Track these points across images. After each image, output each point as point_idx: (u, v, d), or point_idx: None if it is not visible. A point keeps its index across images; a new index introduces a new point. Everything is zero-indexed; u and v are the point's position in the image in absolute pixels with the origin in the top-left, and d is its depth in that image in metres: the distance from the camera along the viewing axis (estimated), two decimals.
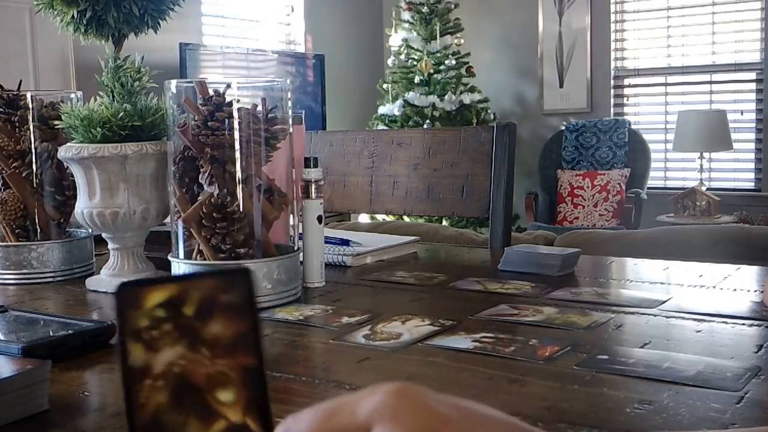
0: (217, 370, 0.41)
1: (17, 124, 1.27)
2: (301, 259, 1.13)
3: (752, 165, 5.33)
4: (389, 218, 3.49)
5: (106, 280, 1.15)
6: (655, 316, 0.96)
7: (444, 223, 4.49)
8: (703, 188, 4.99)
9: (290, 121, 1.11)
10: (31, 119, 1.27)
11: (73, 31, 1.15)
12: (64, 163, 1.18)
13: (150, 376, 0.41)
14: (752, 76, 5.27)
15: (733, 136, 5.06)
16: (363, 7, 6.11)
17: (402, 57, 5.43)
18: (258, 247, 1.04)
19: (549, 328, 0.91)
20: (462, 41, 5.46)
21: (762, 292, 1.04)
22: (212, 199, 1.03)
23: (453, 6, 5.47)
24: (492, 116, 5.48)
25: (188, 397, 0.41)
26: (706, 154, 5.16)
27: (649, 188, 5.28)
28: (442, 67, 5.35)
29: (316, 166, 1.17)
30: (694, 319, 0.93)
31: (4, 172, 1.27)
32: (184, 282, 0.43)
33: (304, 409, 0.39)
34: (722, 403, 0.65)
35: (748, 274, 1.22)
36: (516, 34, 5.89)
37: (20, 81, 1.32)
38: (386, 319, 0.95)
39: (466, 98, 5.31)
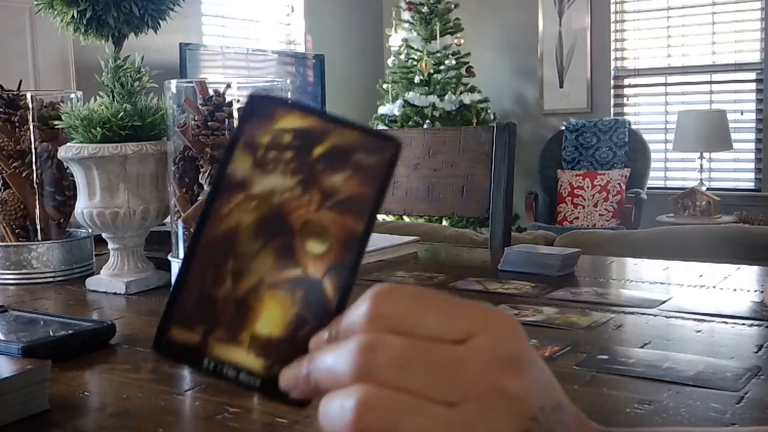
0: (319, 219, 0.38)
1: (17, 124, 1.27)
2: None
3: (752, 165, 5.33)
4: (389, 218, 3.49)
5: (106, 280, 1.15)
6: (655, 316, 0.96)
7: (444, 223, 4.49)
8: (703, 188, 4.99)
9: None
10: (31, 119, 1.27)
11: (73, 31, 1.15)
12: (64, 163, 1.18)
13: (244, 192, 0.38)
14: (752, 76, 5.27)
15: (733, 136, 5.06)
16: (363, 7, 6.11)
17: (402, 57, 5.43)
18: None
19: (549, 328, 0.91)
20: (462, 41, 5.46)
21: (762, 292, 1.04)
22: None
23: (453, 6, 5.47)
24: (492, 116, 5.48)
25: (276, 230, 0.38)
26: (706, 154, 5.16)
27: (649, 188, 5.28)
28: (442, 67, 5.35)
29: None
30: (694, 319, 0.93)
31: (4, 172, 1.27)
32: (329, 122, 0.39)
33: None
34: (722, 403, 0.65)
35: (748, 274, 1.21)
36: (516, 34, 5.89)
37: (20, 81, 1.32)
38: None
39: (466, 98, 5.31)
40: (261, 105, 0.39)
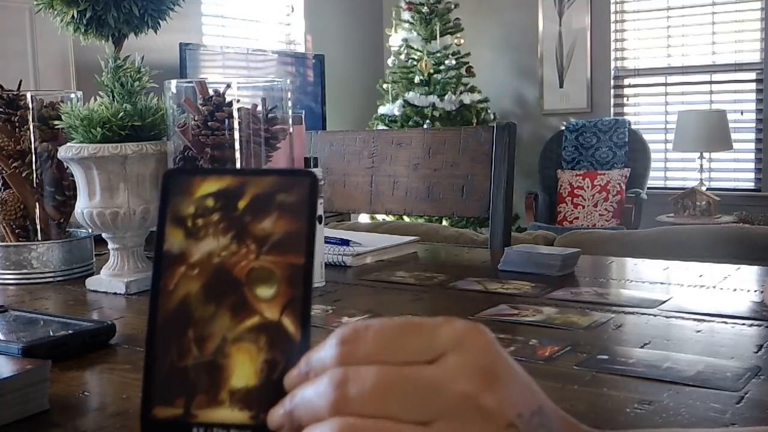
0: (261, 265, 0.40)
1: (17, 124, 1.27)
2: None
3: (752, 165, 5.34)
4: (389, 218, 3.49)
5: (106, 280, 1.15)
6: (655, 316, 0.96)
7: (444, 223, 4.49)
8: (703, 188, 4.99)
9: (290, 121, 1.11)
10: (31, 119, 1.27)
11: (73, 31, 1.15)
12: (64, 163, 1.18)
13: (185, 264, 0.40)
14: (752, 76, 5.28)
15: (733, 136, 5.07)
16: (363, 7, 6.11)
17: (402, 57, 5.43)
18: None
19: (549, 328, 0.91)
20: (462, 41, 5.46)
21: (762, 292, 1.04)
22: None
23: (453, 6, 5.47)
24: (492, 116, 5.48)
25: (224, 288, 0.40)
26: (706, 154, 5.16)
27: (649, 188, 5.28)
28: (442, 67, 5.35)
29: (316, 166, 1.17)
30: (694, 319, 0.93)
31: (4, 172, 1.27)
32: (243, 176, 0.42)
33: (373, 320, 0.38)
34: (722, 403, 0.65)
35: (748, 274, 1.21)
36: (516, 34, 5.90)
37: (20, 81, 1.32)
38: None
39: (466, 98, 5.31)
40: (177, 180, 0.41)
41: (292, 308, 0.40)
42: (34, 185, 1.27)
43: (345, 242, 1.34)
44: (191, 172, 0.42)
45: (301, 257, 0.40)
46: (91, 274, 1.23)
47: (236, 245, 0.41)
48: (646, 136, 5.37)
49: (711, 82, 5.43)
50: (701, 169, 5.12)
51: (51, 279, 1.23)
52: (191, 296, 0.40)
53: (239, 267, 0.40)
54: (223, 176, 0.42)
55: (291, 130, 1.11)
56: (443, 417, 0.35)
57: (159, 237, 0.41)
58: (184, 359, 0.40)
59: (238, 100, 1.04)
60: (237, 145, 1.03)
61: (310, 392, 0.37)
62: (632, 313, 0.97)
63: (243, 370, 0.39)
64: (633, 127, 5.39)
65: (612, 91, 5.70)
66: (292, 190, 0.41)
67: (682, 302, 1.02)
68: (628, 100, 5.74)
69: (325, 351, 0.37)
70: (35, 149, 1.27)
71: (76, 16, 1.12)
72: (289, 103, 1.11)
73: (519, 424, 0.36)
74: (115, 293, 1.13)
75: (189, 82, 1.08)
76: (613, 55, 5.69)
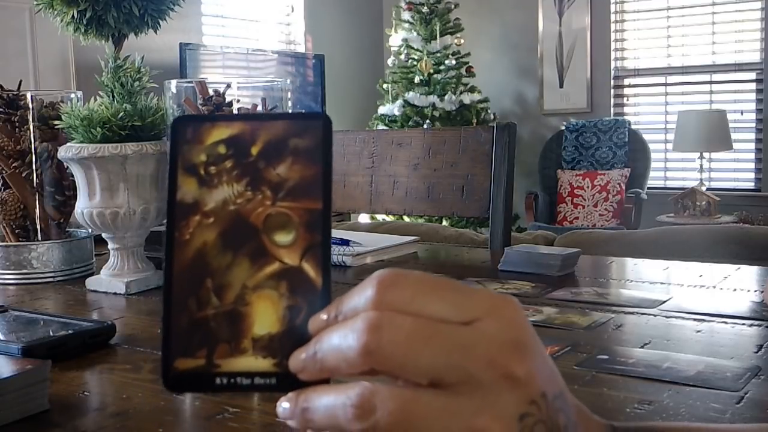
0: (278, 211, 0.39)
1: (17, 124, 1.27)
2: None
3: (752, 165, 5.33)
4: (389, 218, 3.49)
5: (106, 280, 1.15)
6: (655, 316, 0.96)
7: (444, 223, 4.49)
8: (703, 188, 4.99)
9: None
10: (31, 119, 1.27)
11: (73, 31, 1.15)
12: (64, 163, 1.18)
13: (199, 213, 0.39)
14: (752, 76, 5.27)
15: (733, 136, 5.06)
16: (363, 7, 6.11)
17: (402, 57, 5.43)
18: None
19: (549, 328, 0.91)
20: (462, 41, 5.46)
21: (762, 292, 1.04)
22: None
23: (453, 6, 5.47)
24: (492, 116, 5.48)
25: (241, 236, 0.39)
26: (706, 154, 5.16)
27: (649, 188, 5.28)
28: (442, 67, 5.35)
29: None
30: (694, 319, 0.93)
31: (4, 172, 1.27)
32: (253, 122, 0.41)
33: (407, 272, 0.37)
34: (722, 403, 0.65)
35: (748, 274, 1.21)
36: (516, 34, 5.89)
37: (20, 81, 1.32)
38: None
39: (466, 98, 5.31)
40: (186, 128, 0.41)
41: (312, 253, 0.39)
42: (34, 185, 1.27)
43: (345, 242, 1.34)
44: (201, 119, 0.41)
45: (319, 202, 0.39)
46: (91, 274, 1.23)
47: (251, 192, 0.40)
48: (646, 136, 5.37)
49: (711, 82, 5.43)
50: (701, 169, 5.12)
51: (51, 279, 1.23)
52: (208, 245, 0.39)
53: (255, 214, 0.39)
54: (233, 122, 0.41)
55: None
56: (471, 380, 0.35)
57: (171, 187, 0.40)
58: (204, 309, 0.39)
59: (238, 100, 1.04)
60: None
61: (339, 334, 0.36)
62: (632, 313, 0.97)
63: (265, 317, 0.39)
64: (633, 127, 5.39)
65: (612, 91, 5.70)
66: (305, 134, 0.40)
67: (682, 302, 1.02)
68: (628, 100, 5.74)
69: (360, 294, 0.37)
70: (35, 149, 1.27)
71: (76, 16, 1.12)
72: (289, 103, 1.11)
73: (541, 403, 0.36)
74: (115, 293, 1.13)
75: (189, 82, 1.08)
76: (613, 55, 5.69)
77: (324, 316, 0.38)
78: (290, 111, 1.11)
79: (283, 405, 0.37)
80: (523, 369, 0.36)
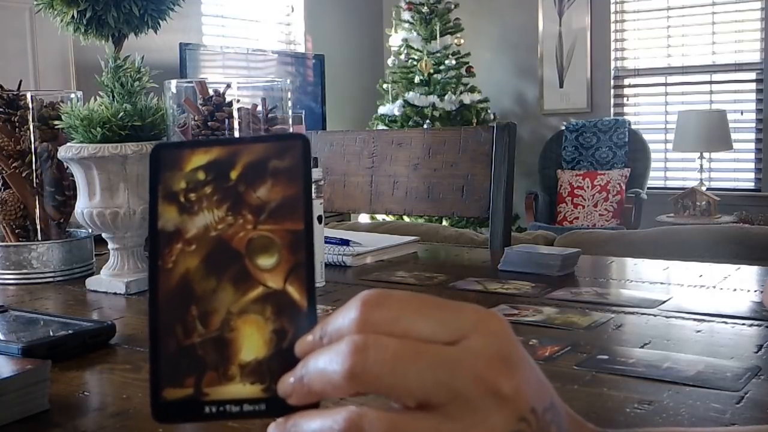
0: (260, 234, 0.39)
1: (17, 124, 1.27)
2: None
3: (752, 165, 5.33)
4: (389, 218, 3.49)
5: (106, 280, 1.15)
6: (655, 316, 0.96)
7: (444, 223, 4.49)
8: (703, 188, 4.99)
9: (290, 121, 1.11)
10: (31, 119, 1.27)
11: (73, 31, 1.15)
12: (64, 163, 1.18)
13: (181, 240, 0.40)
14: (752, 76, 5.27)
15: (733, 136, 5.06)
16: (363, 7, 6.11)
17: (402, 57, 5.43)
18: None
19: (549, 328, 0.91)
20: (462, 41, 5.46)
21: (762, 292, 1.04)
22: None
23: (453, 6, 5.47)
24: (492, 116, 5.48)
25: (224, 261, 0.39)
26: (706, 154, 5.16)
27: (649, 188, 5.28)
28: (442, 67, 5.35)
29: (316, 166, 1.17)
30: (694, 319, 0.93)
31: (4, 172, 1.27)
32: (232, 146, 0.41)
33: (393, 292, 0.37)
34: (722, 403, 0.65)
35: (748, 274, 1.21)
36: (516, 34, 5.89)
37: (20, 81, 1.32)
38: None
39: (466, 98, 5.31)
40: (164, 155, 0.41)
41: (295, 275, 0.39)
42: (34, 185, 1.27)
43: (345, 242, 1.34)
44: (179, 145, 0.41)
45: (300, 223, 0.39)
46: (91, 274, 1.23)
47: (232, 216, 0.40)
48: (646, 136, 5.37)
49: (711, 82, 5.43)
50: (701, 169, 5.12)
51: (51, 279, 1.23)
52: (191, 272, 0.39)
53: (237, 238, 0.40)
54: (211, 147, 0.41)
55: (291, 130, 1.11)
56: (458, 398, 0.35)
57: (152, 215, 0.40)
58: (190, 337, 0.39)
59: (238, 100, 1.04)
60: None
61: (324, 358, 0.36)
62: (632, 313, 0.97)
63: (251, 342, 0.38)
64: (633, 127, 5.38)
65: (612, 91, 5.70)
66: (284, 155, 0.40)
67: (682, 302, 1.02)
68: (628, 100, 5.74)
69: (345, 315, 0.36)
70: (35, 149, 1.27)
71: (76, 16, 1.12)
72: (289, 103, 1.11)
73: (531, 419, 0.36)
74: (115, 293, 1.13)
75: (189, 82, 1.08)
76: (613, 55, 5.69)
77: (310, 338, 0.37)
78: (290, 114, 1.10)
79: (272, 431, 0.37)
80: (511, 385, 0.35)
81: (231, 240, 0.40)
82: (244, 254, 0.39)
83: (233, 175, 0.40)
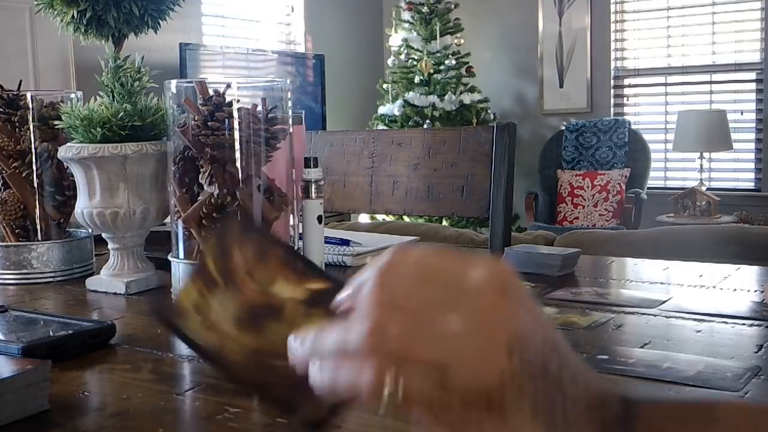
0: (258, 283, 0.45)
1: (17, 124, 1.27)
2: None
3: (752, 165, 5.33)
4: (389, 218, 3.49)
5: (106, 280, 1.15)
6: (655, 316, 0.96)
7: (444, 223, 4.49)
8: (703, 188, 4.99)
9: (290, 121, 1.11)
10: (31, 119, 1.27)
11: (73, 31, 1.15)
12: (64, 163, 1.18)
13: (226, 339, 0.44)
14: (752, 76, 5.27)
15: (733, 136, 5.06)
16: (363, 7, 6.11)
17: (402, 57, 5.43)
18: None
19: None
20: (462, 41, 5.46)
21: (762, 292, 1.04)
22: (212, 199, 1.03)
23: (453, 6, 5.46)
24: (492, 116, 5.48)
25: (256, 321, 0.44)
26: (706, 154, 5.16)
27: (649, 188, 5.28)
28: (442, 67, 5.35)
29: (316, 166, 1.17)
30: (694, 319, 0.93)
31: (4, 172, 1.27)
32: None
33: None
34: None
35: (748, 274, 1.21)
36: (516, 34, 5.89)
37: (20, 81, 1.32)
38: None
39: (466, 98, 5.30)
40: (162, 306, 0.49)
41: (304, 276, 0.45)
42: (34, 185, 1.27)
43: (345, 242, 1.34)
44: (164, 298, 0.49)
45: (279, 249, 0.48)
46: (91, 274, 1.23)
47: (234, 293, 0.46)
48: (646, 136, 5.37)
49: (711, 82, 5.43)
50: (701, 169, 5.12)
51: (51, 279, 1.23)
52: (246, 349, 0.44)
53: (252, 300, 0.45)
54: (190, 283, 0.47)
55: (291, 130, 1.11)
56: (467, 309, 0.39)
57: (191, 345, 0.45)
58: (287, 377, 0.41)
59: (238, 100, 1.04)
60: (237, 145, 1.03)
61: (341, 335, 0.38)
62: (632, 313, 0.97)
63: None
64: (633, 127, 5.38)
65: (612, 91, 5.70)
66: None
67: (682, 302, 1.02)
68: (628, 100, 5.74)
69: (363, 289, 0.39)
70: (35, 149, 1.27)
71: (76, 16, 1.12)
72: (289, 103, 1.11)
73: (525, 345, 0.39)
74: (115, 293, 1.13)
75: (189, 82, 1.08)
76: (613, 55, 5.68)
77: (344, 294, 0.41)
78: (290, 114, 1.10)
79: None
80: (509, 307, 0.41)
81: (247, 303, 0.45)
82: (265, 306, 0.45)
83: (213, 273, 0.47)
